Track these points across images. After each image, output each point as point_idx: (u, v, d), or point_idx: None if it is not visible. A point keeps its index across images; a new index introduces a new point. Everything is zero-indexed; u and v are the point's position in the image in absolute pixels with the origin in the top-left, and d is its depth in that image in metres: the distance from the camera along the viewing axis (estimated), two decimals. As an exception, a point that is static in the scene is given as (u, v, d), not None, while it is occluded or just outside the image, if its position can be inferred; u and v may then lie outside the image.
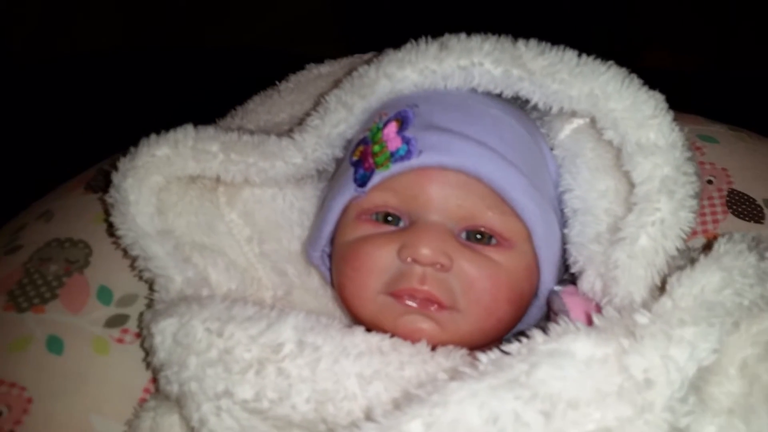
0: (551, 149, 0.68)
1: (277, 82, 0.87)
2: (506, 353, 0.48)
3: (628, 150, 0.59)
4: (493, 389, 0.45)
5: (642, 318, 0.46)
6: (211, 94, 0.98)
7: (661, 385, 0.43)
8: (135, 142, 0.75)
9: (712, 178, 0.78)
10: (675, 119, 0.69)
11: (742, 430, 0.46)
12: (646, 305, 0.48)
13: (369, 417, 0.47)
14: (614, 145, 0.60)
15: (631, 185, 0.59)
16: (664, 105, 0.60)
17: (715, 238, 0.70)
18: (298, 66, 0.89)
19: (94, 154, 0.97)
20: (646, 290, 0.54)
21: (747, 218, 0.73)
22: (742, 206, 0.74)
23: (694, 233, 0.74)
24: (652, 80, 0.65)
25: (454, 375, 0.48)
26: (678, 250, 0.56)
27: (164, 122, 0.81)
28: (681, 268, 0.52)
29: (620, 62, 0.64)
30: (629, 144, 0.59)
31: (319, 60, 0.88)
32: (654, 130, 0.58)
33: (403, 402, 0.48)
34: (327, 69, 0.86)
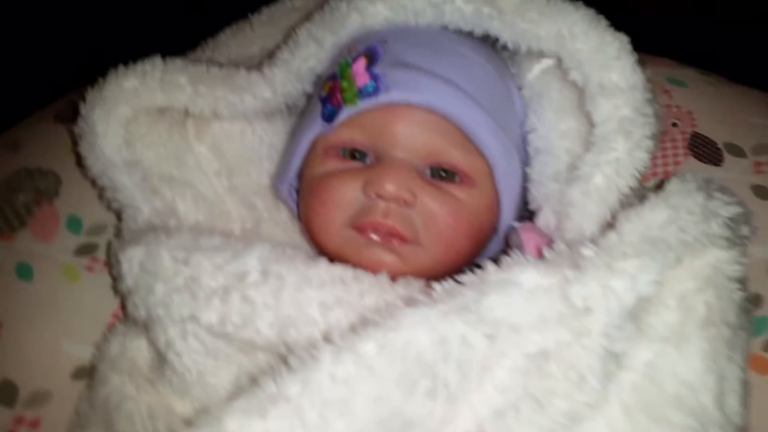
0: (520, 89, 0.68)
1: (250, 15, 0.86)
2: (460, 283, 0.50)
3: (591, 91, 0.60)
4: (444, 314, 0.47)
5: (587, 251, 0.48)
6: (182, 26, 0.96)
7: (600, 312, 0.45)
8: (105, 74, 0.74)
9: (677, 121, 0.79)
10: (646, 62, 0.71)
11: (674, 356, 0.49)
12: (594, 240, 0.50)
13: (327, 340, 0.49)
14: (578, 85, 0.61)
15: (592, 125, 0.60)
16: (628, 47, 0.60)
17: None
18: (272, -1, 0.87)
19: (63, 85, 0.96)
20: (597, 226, 0.56)
21: (706, 161, 0.75)
22: (703, 149, 0.76)
23: (655, 174, 0.76)
24: (631, 24, 0.65)
25: (410, 303, 0.50)
26: (631, 188, 0.58)
27: (135, 53, 0.81)
28: (633, 205, 0.54)
29: (600, 5, 0.64)
30: (592, 85, 0.60)
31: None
32: (616, 72, 0.59)
33: (360, 327, 0.50)
34: (301, 2, 0.84)
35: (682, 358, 0.48)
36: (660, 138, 0.77)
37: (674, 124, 0.79)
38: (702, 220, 0.51)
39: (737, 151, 0.75)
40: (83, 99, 0.70)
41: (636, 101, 0.59)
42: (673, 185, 0.53)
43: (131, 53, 0.80)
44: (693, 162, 0.75)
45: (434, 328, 0.47)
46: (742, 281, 0.54)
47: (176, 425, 0.57)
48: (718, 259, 0.51)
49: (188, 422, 0.50)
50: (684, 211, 0.51)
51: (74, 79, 0.95)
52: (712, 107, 0.80)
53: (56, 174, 0.80)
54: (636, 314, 0.48)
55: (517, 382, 0.45)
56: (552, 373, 0.44)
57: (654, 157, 0.76)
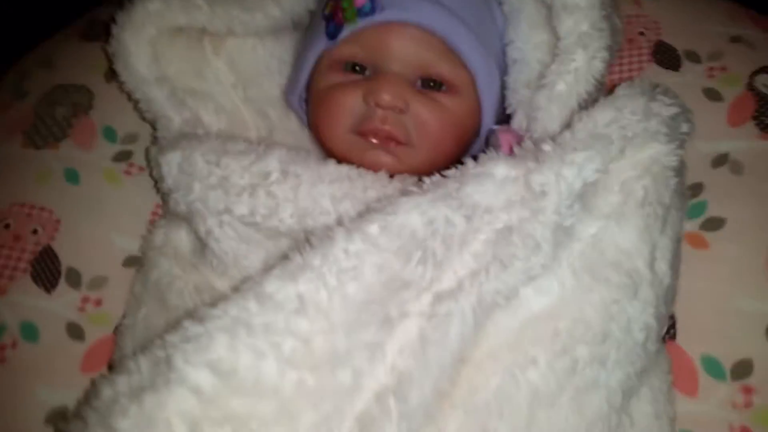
0: (500, 4, 0.77)
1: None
2: (445, 176, 0.62)
3: (557, 8, 0.68)
4: (432, 201, 0.59)
5: (546, 146, 0.59)
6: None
7: (553, 195, 0.57)
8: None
9: (644, 30, 0.87)
10: None
11: (614, 230, 0.60)
12: (554, 137, 0.61)
13: (340, 223, 0.61)
14: (547, 3, 0.70)
15: (557, 39, 0.69)
16: None
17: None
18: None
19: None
20: (560, 126, 0.67)
21: (666, 66, 0.83)
22: (664, 56, 0.84)
23: (621, 79, 0.85)
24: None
25: (405, 193, 0.62)
26: (588, 93, 0.67)
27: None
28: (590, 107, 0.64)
29: None
30: (557, 3, 0.68)
31: None
32: None
33: (366, 213, 0.61)
34: None
35: (621, 231, 0.60)
36: (627, 46, 0.87)
37: (641, 33, 0.87)
38: (643, 119, 0.61)
39: (694, 57, 0.83)
40: (113, 20, 0.77)
41: (593, 18, 0.67)
42: (620, 90, 0.63)
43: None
44: (654, 67, 0.83)
45: (424, 212, 0.58)
46: (680, 170, 0.66)
47: (219, 298, 0.69)
48: (658, 151, 0.62)
49: (234, 289, 0.62)
50: (627, 111, 0.61)
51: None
52: (677, 16, 0.87)
53: (89, 89, 0.89)
54: (585, 196, 0.59)
55: (488, 250, 0.57)
56: (514, 242, 0.56)
57: (621, 63, 0.86)
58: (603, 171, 0.59)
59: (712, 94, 0.80)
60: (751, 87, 0.80)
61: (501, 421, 0.55)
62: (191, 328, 0.56)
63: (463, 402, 0.56)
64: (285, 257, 0.60)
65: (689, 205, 0.75)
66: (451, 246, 0.58)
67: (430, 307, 0.56)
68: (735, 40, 0.84)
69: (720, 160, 0.77)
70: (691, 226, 0.74)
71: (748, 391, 0.66)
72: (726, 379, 0.67)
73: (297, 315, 0.56)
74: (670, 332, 0.70)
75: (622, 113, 0.61)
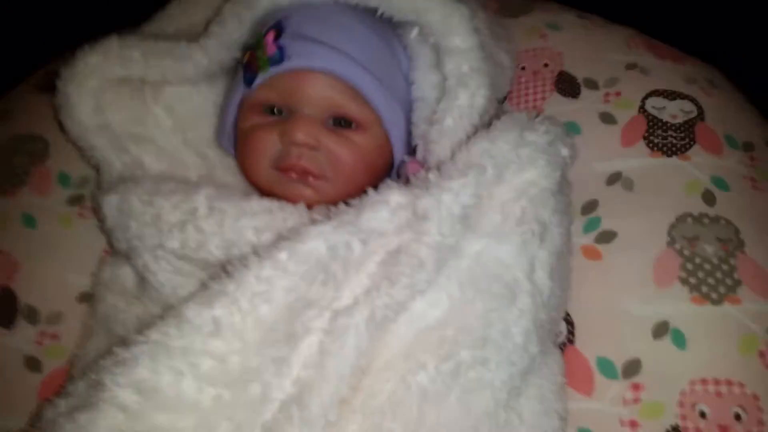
0: (405, 48, 0.85)
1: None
2: (348, 205, 0.69)
3: (442, 52, 0.76)
4: (334, 228, 0.66)
5: (432, 176, 0.67)
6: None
7: (434, 218, 0.64)
8: (74, 46, 0.88)
9: (548, 62, 0.96)
10: (532, 9, 0.90)
11: (496, 246, 0.67)
12: (440, 167, 0.69)
13: (255, 253, 0.68)
14: (435, 47, 0.78)
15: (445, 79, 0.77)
16: (468, 15, 0.76)
17: (540, 112, 0.91)
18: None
19: (38, 55, 1.11)
20: (451, 156, 0.74)
21: (567, 95, 0.91)
22: (566, 85, 0.92)
23: (527, 108, 0.93)
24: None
25: (313, 222, 0.69)
26: (473, 126, 0.75)
27: (99, 26, 0.96)
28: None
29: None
30: (442, 48, 0.76)
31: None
32: (458, 37, 0.75)
33: (278, 242, 0.69)
34: None
35: (501, 247, 0.67)
36: (532, 78, 0.95)
37: (546, 65, 0.95)
38: (515, 147, 0.69)
39: (592, 84, 0.91)
40: (58, 75, 0.85)
41: (472, 60, 0.75)
42: (496, 124, 0.71)
43: (95, 27, 0.96)
44: (556, 96, 0.91)
45: (328, 238, 0.66)
46: (559, 190, 0.73)
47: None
48: (535, 175, 0.69)
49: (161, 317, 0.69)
50: (501, 141, 0.69)
51: (47, 51, 1.10)
52: (578, 47, 0.95)
53: (44, 138, 0.96)
54: (469, 218, 0.67)
55: (379, 270, 0.64)
56: (402, 261, 0.64)
57: (527, 94, 0.94)
58: (480, 196, 0.67)
59: (607, 118, 0.88)
60: (642, 110, 0.88)
61: (394, 421, 0.62)
62: (120, 353, 0.64)
63: (361, 407, 0.63)
64: (204, 286, 0.67)
65: (586, 221, 0.82)
66: (349, 268, 0.65)
67: (329, 323, 0.63)
68: (630, 66, 0.92)
69: (614, 178, 0.84)
70: (587, 239, 0.81)
71: (636, 388, 0.72)
72: (618, 378, 0.73)
73: (213, 337, 0.63)
74: (568, 337, 0.77)
75: (496, 144, 0.69)
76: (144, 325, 0.75)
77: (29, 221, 0.91)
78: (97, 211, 0.83)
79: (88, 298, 0.86)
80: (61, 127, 0.94)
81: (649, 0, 1.28)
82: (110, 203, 0.78)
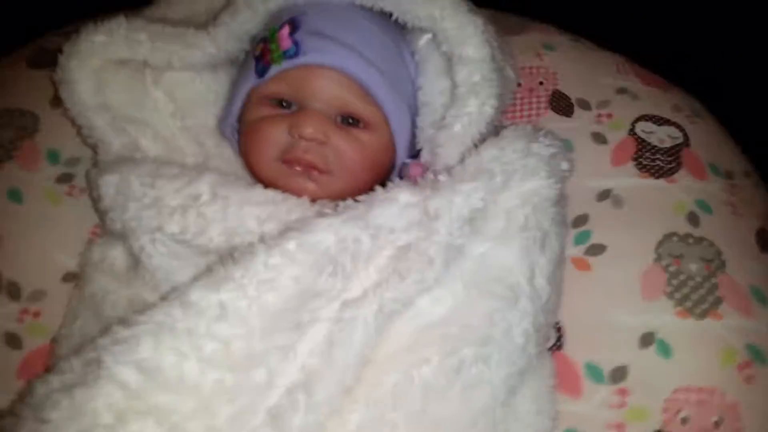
0: (413, 54, 0.87)
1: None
2: (357, 201, 0.70)
3: (454, 60, 0.79)
4: (344, 222, 0.67)
5: (442, 178, 0.69)
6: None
7: (445, 218, 0.66)
8: (65, 23, 0.87)
9: (543, 80, 0.99)
10: (529, 29, 0.91)
11: (499, 250, 0.69)
12: (450, 171, 0.71)
13: (262, 241, 0.69)
14: (447, 55, 0.80)
15: (455, 87, 0.79)
16: (482, 27, 0.79)
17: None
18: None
19: (25, 30, 1.09)
20: (457, 161, 0.76)
21: (561, 113, 0.94)
22: (560, 103, 0.96)
23: (521, 123, 0.96)
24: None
25: (321, 215, 0.70)
26: (480, 133, 0.77)
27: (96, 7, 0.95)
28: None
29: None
30: (455, 56, 0.79)
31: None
32: (472, 47, 0.78)
33: (285, 232, 0.69)
34: None
35: (505, 251, 0.70)
36: (527, 94, 0.98)
37: (541, 83, 0.99)
38: (523, 157, 0.72)
39: (585, 105, 0.95)
40: (60, 50, 0.84)
41: (484, 70, 0.78)
42: (505, 132, 0.74)
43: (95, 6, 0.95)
44: (551, 114, 0.95)
45: (337, 231, 0.67)
46: (558, 201, 0.76)
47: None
48: (538, 185, 0.72)
49: (162, 299, 0.68)
50: (510, 150, 0.72)
51: (35, 26, 1.08)
52: (573, 69, 0.99)
53: (34, 114, 0.94)
54: (475, 221, 0.69)
55: (389, 265, 0.66)
56: (411, 257, 0.65)
57: (521, 109, 0.97)
58: (488, 200, 0.69)
59: (599, 138, 0.92)
60: (632, 132, 0.92)
61: (396, 412, 0.63)
62: (120, 332, 0.63)
63: (365, 397, 0.64)
64: (209, 270, 0.66)
65: (576, 233, 0.85)
66: (358, 261, 0.66)
67: (337, 313, 0.64)
68: (621, 91, 0.97)
69: (604, 195, 0.88)
70: (577, 251, 0.84)
71: (623, 393, 0.76)
72: (606, 383, 0.77)
73: (218, 321, 0.63)
74: (557, 343, 0.80)
75: (505, 152, 0.72)
76: (136, 308, 0.75)
77: (15, 196, 0.89)
78: (92, 190, 0.81)
79: (73, 278, 0.84)
80: (54, 104, 0.94)
81: (636, 29, 1.33)
82: (109, 183, 0.77)
